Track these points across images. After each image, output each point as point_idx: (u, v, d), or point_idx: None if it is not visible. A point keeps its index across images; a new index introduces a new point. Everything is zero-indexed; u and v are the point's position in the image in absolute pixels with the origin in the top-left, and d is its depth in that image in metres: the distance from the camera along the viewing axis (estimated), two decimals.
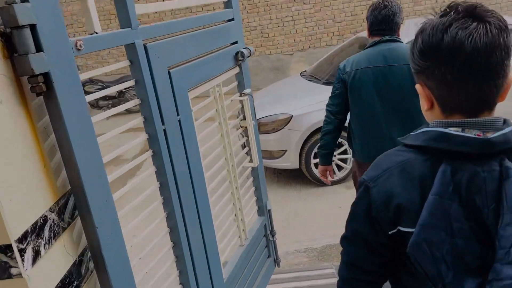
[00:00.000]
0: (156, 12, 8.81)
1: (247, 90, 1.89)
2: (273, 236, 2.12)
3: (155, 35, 1.27)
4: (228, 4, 1.84)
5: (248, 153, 2.01)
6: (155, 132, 1.25)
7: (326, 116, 2.51)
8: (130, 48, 1.19)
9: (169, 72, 1.33)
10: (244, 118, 1.91)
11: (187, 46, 1.45)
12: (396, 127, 2.22)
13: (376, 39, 2.30)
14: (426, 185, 0.82)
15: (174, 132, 1.34)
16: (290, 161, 4.70)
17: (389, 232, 0.89)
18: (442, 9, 0.82)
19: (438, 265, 0.80)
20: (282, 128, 4.63)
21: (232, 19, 1.85)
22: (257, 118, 4.90)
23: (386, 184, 0.87)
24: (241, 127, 1.94)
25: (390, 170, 0.87)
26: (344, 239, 1.00)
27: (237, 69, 1.88)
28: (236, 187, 1.85)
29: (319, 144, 2.63)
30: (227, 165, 1.80)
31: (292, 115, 4.59)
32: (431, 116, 0.88)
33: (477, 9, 0.78)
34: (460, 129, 0.81)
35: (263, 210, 2.08)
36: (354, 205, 0.96)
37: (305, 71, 5.98)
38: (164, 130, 1.29)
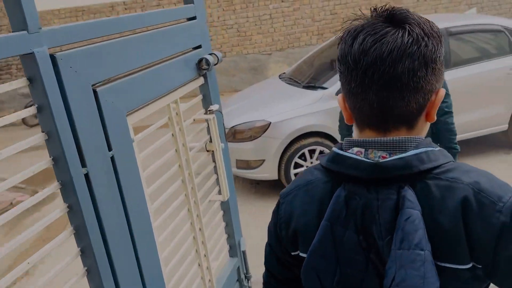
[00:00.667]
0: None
1: (215, 106, 1.52)
2: (248, 280, 1.76)
3: (71, 41, 0.88)
4: None
5: (217, 182, 1.63)
6: (70, 180, 0.86)
7: None
8: (28, 61, 0.80)
9: (95, 92, 0.94)
10: (211, 141, 1.54)
11: (126, 54, 1.06)
12: None
13: None
14: (323, 209, 0.77)
15: (103, 174, 0.96)
16: (269, 172, 4.34)
17: (292, 253, 0.86)
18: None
19: None
20: (260, 136, 4.27)
21: (194, 18, 1.47)
22: (233, 125, 4.55)
23: (291, 204, 0.85)
24: (208, 151, 1.57)
25: (298, 188, 0.84)
26: (266, 245, 0.96)
27: (201, 80, 1.50)
28: (200, 229, 1.48)
29: None
30: (188, 203, 1.42)
31: (270, 122, 4.24)
32: (355, 132, 0.81)
33: (399, 13, 0.71)
34: (363, 150, 0.74)
35: (235, 250, 1.71)
36: (271, 217, 0.92)
37: (284, 73, 5.64)
38: (86, 175, 0.91)
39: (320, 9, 8.56)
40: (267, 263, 0.95)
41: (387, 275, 0.69)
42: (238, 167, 4.50)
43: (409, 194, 0.69)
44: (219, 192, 1.63)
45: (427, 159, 0.70)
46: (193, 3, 1.46)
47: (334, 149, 0.78)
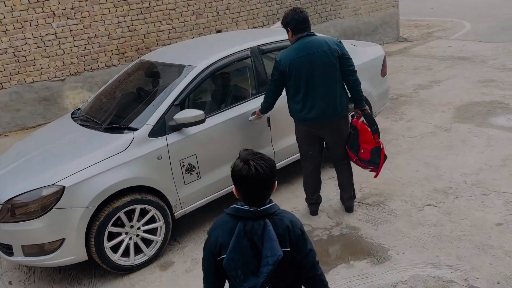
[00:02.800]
0: None
1: None
2: None
3: None
4: None
5: None
6: None
7: (266, 91, 3.61)
8: None
9: None
10: None
11: None
12: (324, 92, 3.32)
13: (299, 35, 3.31)
14: (232, 233, 1.66)
15: None
16: (73, 253, 3.13)
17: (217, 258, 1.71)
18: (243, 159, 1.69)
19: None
20: (51, 207, 3.03)
21: None
22: (8, 197, 3.00)
23: (216, 234, 1.72)
24: None
25: (219, 224, 1.75)
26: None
27: None
28: None
29: (262, 102, 3.67)
30: None
31: (64, 186, 3.04)
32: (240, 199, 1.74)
33: (252, 160, 1.65)
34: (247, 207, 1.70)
35: None
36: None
37: (78, 109, 4.38)
38: None
39: (116, 26, 7.47)
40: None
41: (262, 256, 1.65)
42: (27, 255, 3.17)
43: (268, 223, 1.66)
44: None
45: (272, 209, 1.71)
46: None
47: (237, 206, 1.71)
